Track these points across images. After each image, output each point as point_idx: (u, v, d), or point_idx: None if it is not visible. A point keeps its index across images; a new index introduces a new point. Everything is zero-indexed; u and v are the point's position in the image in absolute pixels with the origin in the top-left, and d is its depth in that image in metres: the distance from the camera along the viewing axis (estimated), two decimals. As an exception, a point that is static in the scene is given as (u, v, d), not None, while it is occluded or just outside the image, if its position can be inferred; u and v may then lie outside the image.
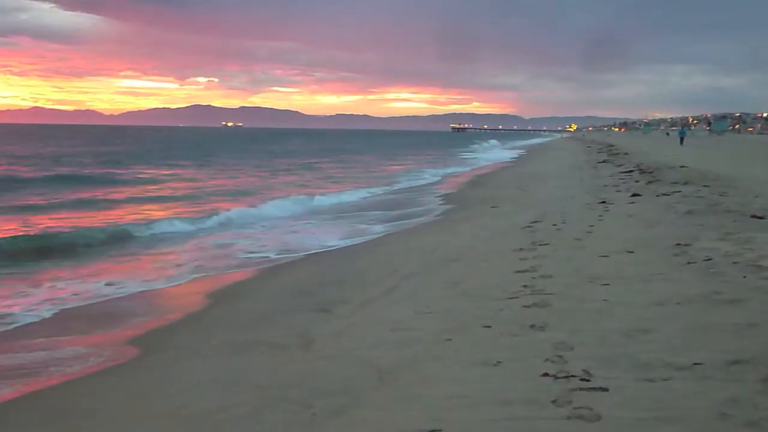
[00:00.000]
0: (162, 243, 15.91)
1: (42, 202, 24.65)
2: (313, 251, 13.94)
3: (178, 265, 12.86)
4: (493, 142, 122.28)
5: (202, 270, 12.36)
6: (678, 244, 10.01)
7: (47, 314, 9.49)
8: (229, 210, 21.25)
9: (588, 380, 5.17)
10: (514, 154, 68.92)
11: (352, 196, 27.50)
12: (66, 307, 9.88)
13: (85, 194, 27.36)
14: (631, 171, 25.33)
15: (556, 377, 5.30)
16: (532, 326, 6.72)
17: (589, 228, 12.34)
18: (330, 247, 14.38)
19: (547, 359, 5.73)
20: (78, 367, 7.23)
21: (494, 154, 71.08)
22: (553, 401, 4.85)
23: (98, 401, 6.09)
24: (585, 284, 8.23)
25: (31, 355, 7.79)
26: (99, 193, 28.07)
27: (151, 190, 30.57)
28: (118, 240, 16.15)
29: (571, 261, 9.62)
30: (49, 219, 19.98)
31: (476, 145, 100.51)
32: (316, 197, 25.54)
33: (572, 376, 5.28)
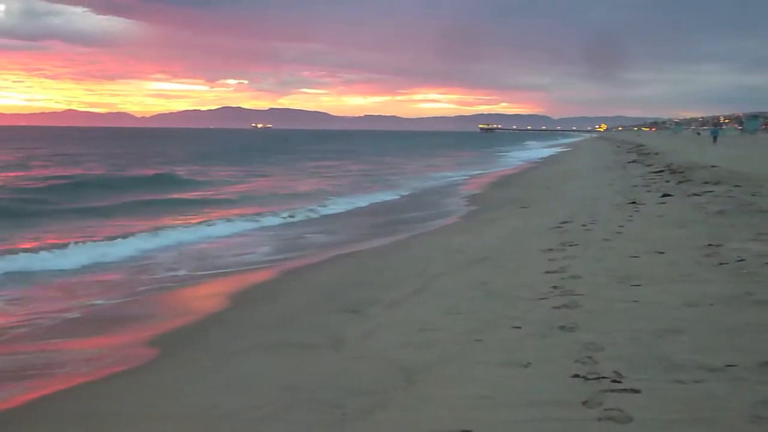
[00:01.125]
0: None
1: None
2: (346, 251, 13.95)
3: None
4: (532, 143, 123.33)
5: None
6: (709, 245, 9.91)
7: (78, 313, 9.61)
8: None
9: (619, 381, 5.13)
10: (551, 151, 69.70)
11: (388, 195, 28.10)
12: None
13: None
14: (662, 171, 25.09)
15: (586, 378, 5.27)
16: (561, 327, 6.69)
17: (619, 228, 12.25)
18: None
19: (577, 360, 5.70)
20: (102, 367, 7.24)
21: (533, 152, 71.51)
22: (584, 402, 4.83)
23: (126, 401, 6.11)
24: (615, 285, 8.17)
25: (55, 355, 7.85)
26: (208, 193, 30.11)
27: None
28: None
29: (600, 261, 9.56)
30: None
31: (509, 146, 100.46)
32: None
33: (603, 377, 5.25)
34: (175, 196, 27.92)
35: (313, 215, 21.62)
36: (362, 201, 25.58)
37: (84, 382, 6.76)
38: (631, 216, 13.80)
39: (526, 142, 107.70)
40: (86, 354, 7.80)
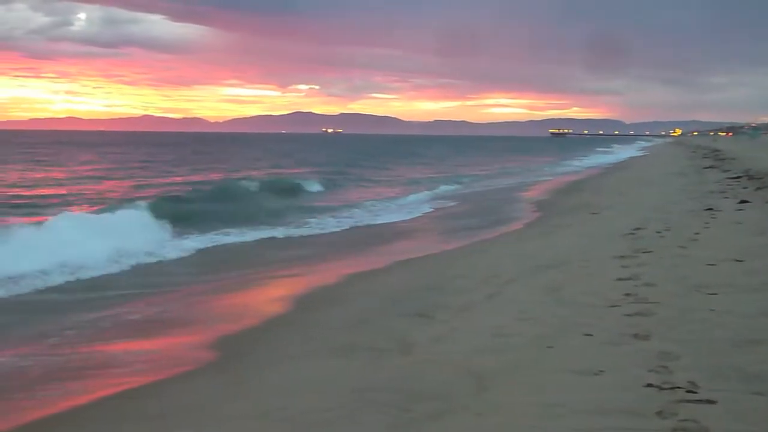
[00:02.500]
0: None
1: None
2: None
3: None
4: (616, 146, 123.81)
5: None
6: (790, 253, 9.63)
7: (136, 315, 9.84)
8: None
9: (694, 392, 5.03)
10: (623, 156, 69.36)
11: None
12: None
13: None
14: (739, 177, 24.41)
15: (660, 388, 5.18)
16: (635, 335, 6.59)
17: (695, 235, 11.99)
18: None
19: (651, 369, 5.61)
20: (169, 368, 7.32)
21: (605, 158, 71.02)
22: (658, 413, 4.75)
23: (194, 401, 6.18)
24: (691, 293, 8.01)
25: (118, 354, 8.02)
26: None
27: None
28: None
29: (675, 269, 9.38)
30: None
31: (580, 151, 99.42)
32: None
33: (678, 387, 5.16)
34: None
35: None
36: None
37: (148, 383, 6.86)
38: (707, 223, 13.48)
39: (598, 148, 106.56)
40: (147, 354, 7.94)
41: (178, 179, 39.17)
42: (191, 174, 43.74)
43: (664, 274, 9.08)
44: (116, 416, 6.02)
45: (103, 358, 7.83)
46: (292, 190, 32.71)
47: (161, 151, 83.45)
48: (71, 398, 6.52)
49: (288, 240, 17.56)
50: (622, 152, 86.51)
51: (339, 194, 32.08)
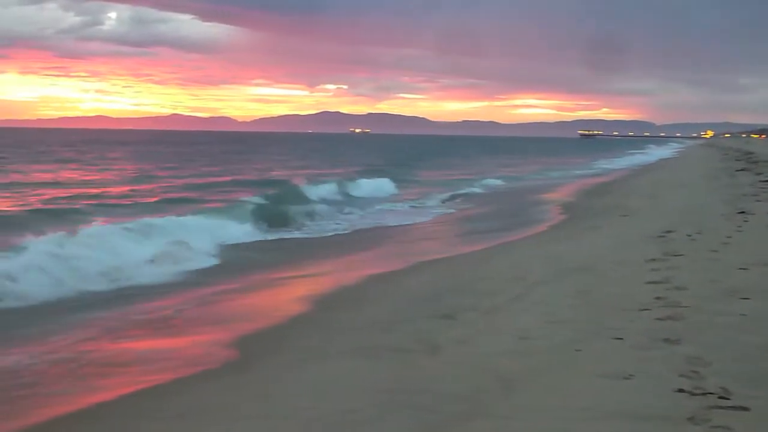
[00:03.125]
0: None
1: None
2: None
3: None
4: (651, 146, 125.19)
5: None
6: (826, 258, 9.47)
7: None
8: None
9: (727, 398, 4.96)
10: (654, 158, 69.19)
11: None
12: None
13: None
14: (773, 179, 24.08)
15: (692, 393, 5.11)
16: (665, 339, 6.51)
17: (727, 239, 11.82)
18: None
19: (682, 374, 5.54)
20: (193, 366, 7.30)
21: (634, 159, 70.85)
22: (689, 419, 4.68)
23: (219, 400, 6.14)
24: (722, 297, 7.90)
25: (144, 351, 8.08)
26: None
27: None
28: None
29: (706, 273, 9.26)
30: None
31: (610, 152, 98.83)
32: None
33: (709, 393, 5.09)
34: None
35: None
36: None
37: (169, 381, 6.87)
38: (740, 226, 13.30)
39: (631, 150, 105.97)
40: (166, 353, 7.94)
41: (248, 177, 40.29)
42: (255, 173, 45.24)
43: (696, 278, 8.96)
44: (135, 413, 6.05)
45: (130, 356, 7.91)
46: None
47: (219, 150, 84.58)
48: (93, 394, 6.56)
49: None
50: (656, 152, 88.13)
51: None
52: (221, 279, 12.41)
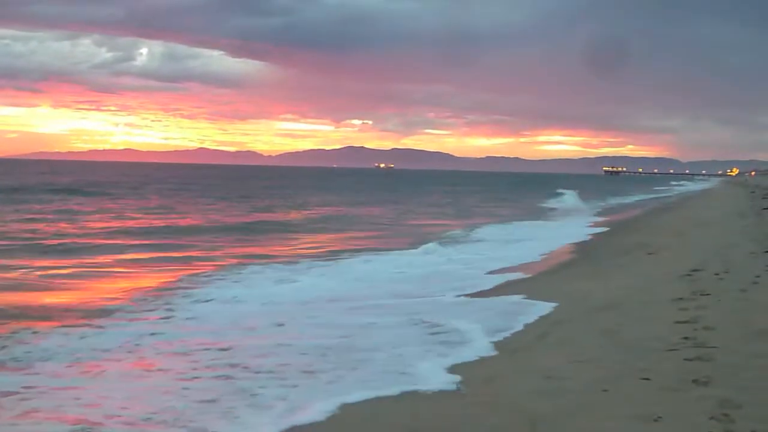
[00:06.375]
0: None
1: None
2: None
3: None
4: (685, 182, 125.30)
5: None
6: None
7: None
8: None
9: (758, 442, 4.87)
10: (677, 195, 68.98)
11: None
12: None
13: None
14: (801, 218, 23.80)
15: (722, 437, 5.02)
16: (694, 381, 6.42)
17: (756, 278, 11.66)
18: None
19: (712, 417, 5.46)
20: None
21: (659, 196, 70.70)
22: (720, 462, 4.60)
23: None
24: (753, 338, 7.79)
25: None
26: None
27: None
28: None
29: (735, 313, 9.14)
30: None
31: (635, 188, 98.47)
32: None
33: (740, 436, 5.00)
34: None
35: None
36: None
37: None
38: (768, 265, 13.13)
39: (657, 186, 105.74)
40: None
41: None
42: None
43: (724, 318, 8.85)
44: None
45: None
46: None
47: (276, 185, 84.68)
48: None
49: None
50: (685, 187, 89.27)
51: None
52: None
